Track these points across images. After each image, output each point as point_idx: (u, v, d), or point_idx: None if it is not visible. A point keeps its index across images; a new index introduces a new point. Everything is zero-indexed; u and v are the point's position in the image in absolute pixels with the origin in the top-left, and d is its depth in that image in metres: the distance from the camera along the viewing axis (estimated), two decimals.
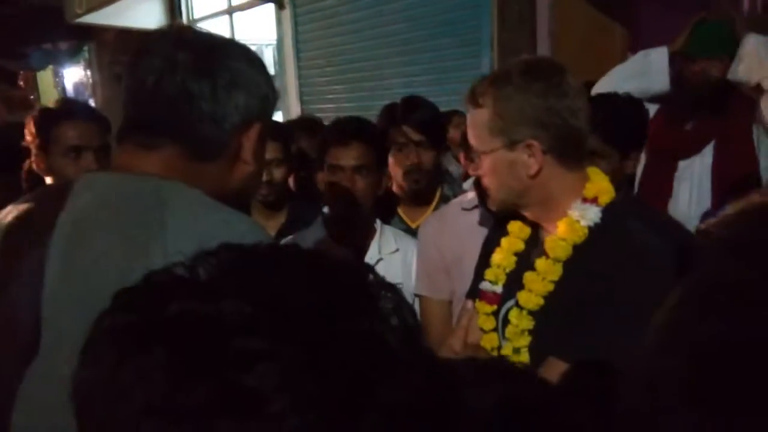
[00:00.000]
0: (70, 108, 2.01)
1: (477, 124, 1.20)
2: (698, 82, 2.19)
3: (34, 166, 1.91)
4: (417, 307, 1.72)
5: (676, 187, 2.21)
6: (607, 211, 1.19)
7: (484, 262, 1.36)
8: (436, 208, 2.02)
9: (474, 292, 1.37)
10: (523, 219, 1.30)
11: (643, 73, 2.31)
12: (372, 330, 0.40)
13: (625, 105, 1.71)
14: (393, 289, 0.44)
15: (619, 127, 1.57)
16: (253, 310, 0.38)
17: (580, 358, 1.06)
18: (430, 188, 2.05)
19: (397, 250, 1.82)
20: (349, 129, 1.79)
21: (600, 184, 1.21)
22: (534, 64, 1.22)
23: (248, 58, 0.94)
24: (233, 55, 0.91)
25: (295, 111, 5.83)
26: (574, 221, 1.18)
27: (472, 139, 1.22)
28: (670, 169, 2.23)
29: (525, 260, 1.26)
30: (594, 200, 1.19)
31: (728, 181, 2.09)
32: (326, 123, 4.17)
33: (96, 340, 0.42)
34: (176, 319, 0.38)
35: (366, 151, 1.74)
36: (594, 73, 3.81)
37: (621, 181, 1.64)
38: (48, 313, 0.78)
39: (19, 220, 0.87)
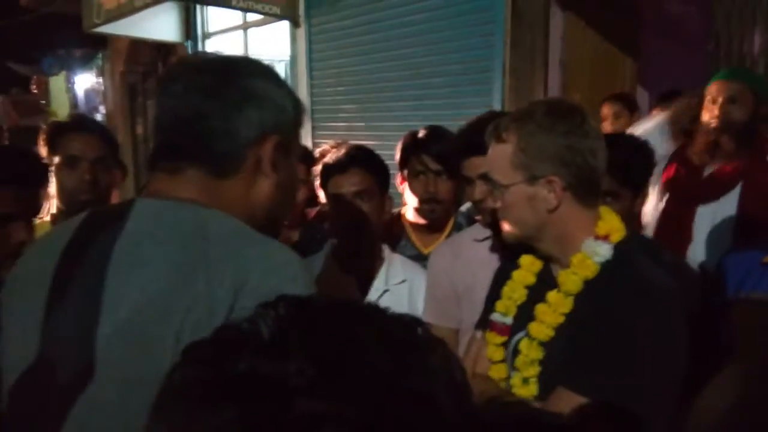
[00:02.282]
0: (75, 121, 2.07)
1: (499, 158, 1.25)
2: (717, 127, 2.21)
3: None
4: None
5: (696, 232, 2.22)
6: (618, 248, 1.23)
7: (494, 293, 1.40)
8: (449, 235, 2.04)
9: (484, 323, 1.40)
10: (535, 253, 1.34)
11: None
12: (427, 390, 0.41)
13: (637, 146, 1.76)
14: (442, 343, 0.46)
15: (632, 168, 1.62)
16: (316, 371, 0.39)
17: (587, 389, 1.10)
18: (444, 218, 2.07)
19: (404, 280, 1.82)
20: (347, 156, 1.81)
21: (612, 222, 1.26)
22: (557, 105, 1.27)
23: (263, 73, 0.96)
24: (246, 72, 0.94)
25: (307, 128, 5.89)
26: (587, 257, 1.22)
27: (493, 173, 1.27)
28: (690, 214, 2.24)
29: (536, 294, 1.29)
30: (606, 238, 1.24)
31: (754, 226, 2.10)
32: (333, 141, 4.23)
33: (167, 394, 0.43)
34: (245, 378, 0.40)
35: (365, 177, 1.76)
36: (603, 102, 3.89)
37: (632, 219, 1.68)
38: (102, 341, 0.81)
39: (75, 243, 0.90)
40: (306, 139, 5.84)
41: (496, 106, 4.05)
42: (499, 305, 1.35)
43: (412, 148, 2.03)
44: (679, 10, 4.13)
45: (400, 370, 0.41)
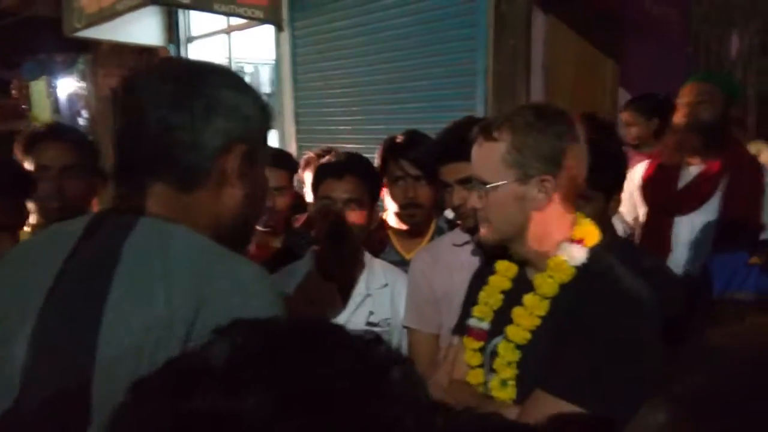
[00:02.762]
0: (47, 129, 2.03)
1: (490, 156, 1.23)
2: (686, 127, 2.25)
3: None
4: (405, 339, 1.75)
5: (675, 242, 2.24)
6: (593, 252, 1.24)
7: (471, 298, 1.40)
8: (431, 240, 2.04)
9: (460, 329, 1.40)
10: (510, 258, 1.35)
11: None
12: (392, 416, 0.40)
13: (609, 150, 1.77)
14: (406, 362, 0.44)
15: (604, 171, 1.63)
16: (275, 407, 0.37)
17: (563, 392, 1.11)
18: (425, 221, 2.07)
19: (386, 285, 1.82)
20: (344, 162, 1.82)
21: (587, 227, 1.27)
22: (547, 109, 1.28)
23: (228, 81, 0.94)
24: (211, 80, 0.92)
25: (291, 131, 5.88)
26: (563, 261, 1.23)
27: (480, 172, 1.26)
28: (669, 224, 2.27)
29: (512, 298, 1.30)
30: (581, 242, 1.25)
31: (734, 233, 2.13)
32: (319, 145, 4.22)
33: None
34: (199, 417, 0.38)
35: (358, 185, 1.77)
36: (586, 102, 3.92)
37: (606, 222, 1.68)
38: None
39: (32, 262, 0.87)
40: (291, 143, 5.83)
41: (480, 110, 4.07)
42: (476, 310, 1.36)
43: (391, 153, 2.03)
44: (659, 13, 4.18)
45: (363, 397, 0.40)
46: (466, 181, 1.55)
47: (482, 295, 1.36)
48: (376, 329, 1.79)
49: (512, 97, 3.99)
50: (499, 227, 1.26)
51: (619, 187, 1.72)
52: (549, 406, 1.11)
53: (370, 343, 0.45)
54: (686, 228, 2.23)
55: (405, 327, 1.75)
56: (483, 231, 1.30)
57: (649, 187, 2.34)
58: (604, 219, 1.65)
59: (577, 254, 1.23)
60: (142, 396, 0.41)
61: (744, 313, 1.68)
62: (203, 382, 0.39)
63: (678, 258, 2.20)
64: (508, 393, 1.24)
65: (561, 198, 1.23)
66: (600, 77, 4.38)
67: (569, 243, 1.24)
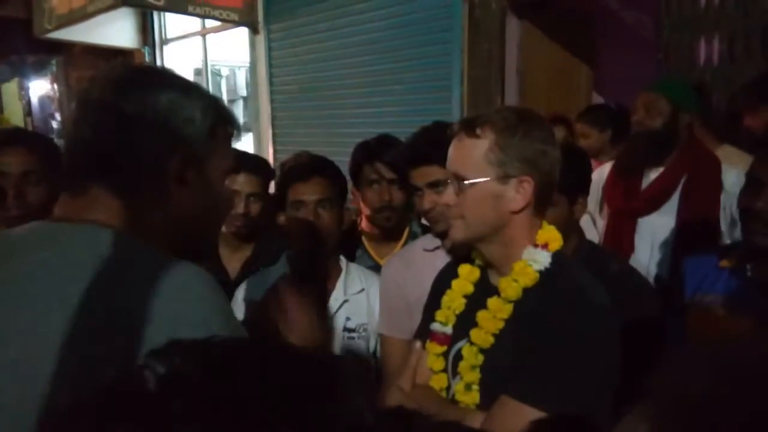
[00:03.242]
0: (4, 134, 1.95)
1: (470, 153, 1.22)
2: (638, 132, 2.30)
3: None
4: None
5: (637, 244, 2.27)
6: (556, 257, 1.25)
7: (433, 303, 1.40)
8: (405, 244, 2.05)
9: (423, 333, 1.40)
10: (472, 262, 1.35)
11: None
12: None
13: (570, 153, 1.79)
14: (356, 382, 0.43)
15: (566, 174, 1.65)
16: None
17: (527, 397, 1.11)
18: (399, 226, 2.08)
19: (363, 290, 1.83)
20: (310, 165, 1.82)
21: (550, 232, 1.27)
22: (529, 113, 1.29)
23: (169, 84, 0.92)
24: (148, 84, 0.90)
25: (267, 133, 5.85)
26: (527, 265, 1.23)
27: (459, 168, 1.23)
28: (630, 227, 2.29)
29: (475, 302, 1.30)
30: (545, 246, 1.26)
31: (691, 237, 2.16)
32: (296, 148, 4.19)
33: None
34: None
35: (327, 186, 1.77)
36: (560, 107, 3.96)
37: (572, 226, 1.70)
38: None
39: None
40: (267, 147, 5.80)
41: (455, 114, 4.09)
42: (439, 315, 1.35)
43: (365, 157, 2.03)
44: (631, 19, 4.24)
45: (303, 424, 0.38)
46: (436, 185, 1.55)
47: (445, 300, 1.35)
48: (353, 335, 1.78)
49: (487, 102, 4.02)
50: (472, 225, 1.25)
51: (583, 190, 1.73)
52: (514, 411, 1.11)
53: (317, 363, 0.44)
54: (647, 229, 2.27)
55: (378, 333, 1.75)
56: (453, 230, 1.28)
57: (611, 191, 2.38)
58: (569, 223, 1.67)
59: (541, 259, 1.23)
60: (72, 416, 0.39)
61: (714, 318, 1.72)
62: (132, 413, 0.37)
63: (640, 259, 2.23)
64: (472, 397, 1.24)
65: (534, 202, 1.24)
66: (574, 82, 4.44)
67: (533, 247, 1.25)
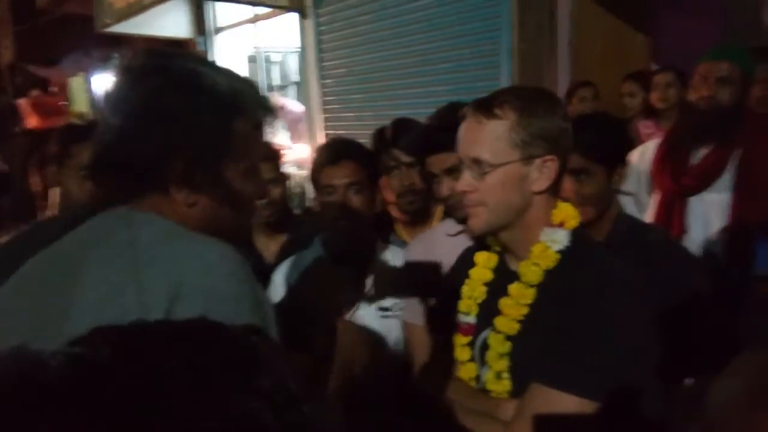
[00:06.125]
0: (93, 128, 2.04)
1: (492, 135, 1.16)
2: (705, 108, 2.11)
3: (37, 180, 1.92)
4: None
5: (690, 223, 2.15)
6: (575, 235, 1.20)
7: (451, 292, 1.36)
8: None
9: (441, 322, 1.38)
10: (488, 248, 1.31)
11: None
12: (250, 412, 0.38)
13: (608, 122, 1.72)
14: (276, 357, 0.42)
15: (603, 144, 1.58)
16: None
17: (563, 382, 1.07)
18: (425, 207, 2.04)
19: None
20: (338, 149, 1.81)
21: (566, 210, 1.22)
22: (541, 90, 1.25)
23: (182, 85, 0.92)
24: (160, 86, 0.91)
25: (318, 118, 5.89)
26: (546, 247, 1.19)
27: (478, 151, 1.17)
28: (681, 206, 2.17)
29: (496, 289, 1.26)
30: (561, 225, 1.20)
31: (748, 214, 2.04)
32: (346, 132, 4.20)
33: None
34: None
35: (356, 169, 1.76)
36: (616, 78, 3.80)
37: (610, 197, 1.63)
38: None
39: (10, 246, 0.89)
40: (318, 131, 5.84)
41: None
42: (461, 305, 1.32)
43: (381, 145, 2.02)
44: None
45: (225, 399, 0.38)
46: (453, 171, 1.50)
47: (465, 290, 1.31)
48: (387, 314, 1.78)
49: (538, 77, 3.90)
50: (496, 211, 1.18)
51: (621, 159, 1.65)
52: (548, 398, 1.08)
53: (243, 337, 0.43)
54: (699, 208, 2.14)
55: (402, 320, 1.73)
56: (474, 219, 1.21)
57: (659, 170, 2.25)
58: (607, 193, 1.60)
59: (560, 238, 1.18)
60: None
61: None
62: (32, 396, 0.36)
63: (693, 239, 2.11)
64: (504, 385, 1.20)
65: (555, 181, 1.19)
66: (630, 52, 4.23)
67: (550, 227, 1.19)
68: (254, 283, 0.89)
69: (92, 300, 0.79)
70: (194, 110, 0.91)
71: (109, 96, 0.92)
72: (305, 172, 4.38)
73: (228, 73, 0.98)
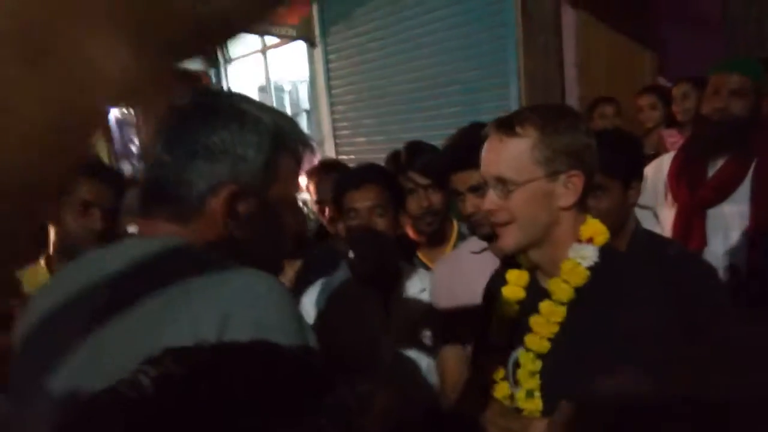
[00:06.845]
0: (90, 165, 1.96)
1: (514, 153, 1.16)
2: (719, 120, 2.10)
3: None
4: None
5: (710, 236, 2.13)
6: (604, 251, 1.20)
7: (486, 313, 1.36)
8: (455, 245, 2.02)
9: (476, 342, 1.38)
10: (518, 266, 1.31)
11: None
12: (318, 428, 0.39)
13: (623, 137, 1.74)
14: (334, 380, 0.44)
15: (618, 158, 1.58)
16: None
17: (590, 400, 1.06)
18: (441, 228, 2.06)
19: (424, 289, 1.81)
20: (361, 172, 1.83)
21: (594, 226, 1.22)
22: (562, 107, 1.25)
23: (224, 123, 0.96)
24: (203, 124, 0.95)
25: (329, 145, 5.94)
26: (576, 264, 1.18)
27: (502, 170, 1.17)
28: (700, 219, 2.15)
29: (527, 306, 1.26)
30: (590, 241, 1.20)
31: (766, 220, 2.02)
32: (358, 157, 4.24)
33: None
34: None
35: (380, 192, 1.76)
36: (623, 95, 3.81)
37: (625, 212, 1.63)
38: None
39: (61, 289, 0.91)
40: (330, 155, 5.90)
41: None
42: (494, 324, 1.32)
43: (397, 168, 2.04)
44: None
45: (287, 416, 0.39)
46: (477, 189, 1.52)
47: (497, 308, 1.32)
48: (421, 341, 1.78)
49: (546, 96, 3.92)
50: (524, 228, 1.19)
51: (637, 174, 1.65)
52: (580, 415, 1.07)
53: (300, 363, 0.44)
54: (719, 220, 2.12)
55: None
56: (505, 238, 1.21)
57: (675, 184, 2.24)
58: (623, 209, 1.60)
59: (589, 254, 1.18)
60: (87, 413, 0.41)
61: None
62: (129, 406, 0.39)
63: (714, 252, 2.09)
64: (536, 404, 1.19)
65: (581, 196, 1.19)
66: (637, 68, 4.25)
67: (578, 243, 1.20)
68: (299, 312, 0.91)
69: (144, 329, 0.80)
70: (240, 147, 0.95)
71: (159, 132, 0.96)
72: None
73: (271, 111, 1.02)
